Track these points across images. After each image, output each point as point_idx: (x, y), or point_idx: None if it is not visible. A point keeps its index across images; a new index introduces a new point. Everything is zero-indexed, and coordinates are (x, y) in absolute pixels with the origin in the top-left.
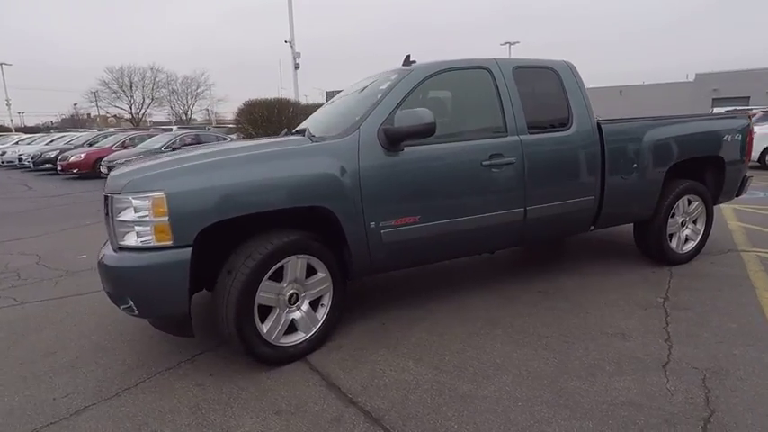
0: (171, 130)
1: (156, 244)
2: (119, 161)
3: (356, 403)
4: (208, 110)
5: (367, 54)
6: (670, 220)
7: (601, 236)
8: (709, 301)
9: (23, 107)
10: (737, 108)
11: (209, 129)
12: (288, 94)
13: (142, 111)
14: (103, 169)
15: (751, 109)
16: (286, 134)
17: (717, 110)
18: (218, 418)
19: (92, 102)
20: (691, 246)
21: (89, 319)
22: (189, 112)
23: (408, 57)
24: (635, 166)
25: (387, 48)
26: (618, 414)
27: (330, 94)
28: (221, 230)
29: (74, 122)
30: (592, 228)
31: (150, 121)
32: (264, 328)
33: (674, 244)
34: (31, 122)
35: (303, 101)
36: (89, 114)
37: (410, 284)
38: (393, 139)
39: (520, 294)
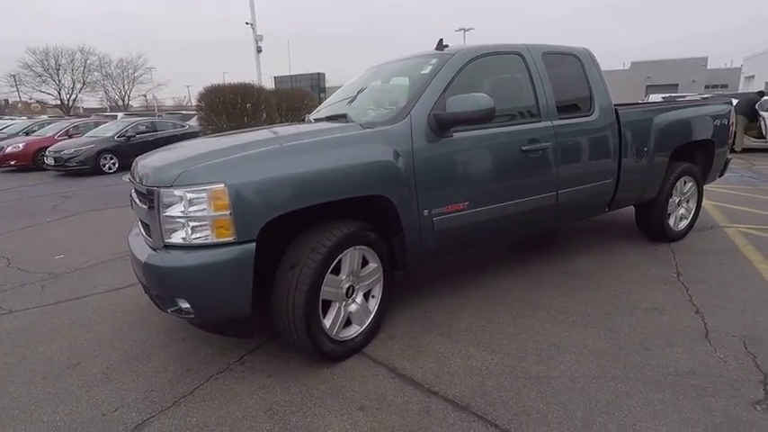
0: (110, 117)
1: (215, 240)
2: (67, 151)
3: (437, 393)
4: (146, 95)
5: (305, 38)
6: (669, 200)
7: (597, 217)
8: (716, 274)
9: None
10: (672, 95)
11: (160, 116)
12: (231, 77)
13: (72, 96)
14: (49, 160)
15: (685, 96)
16: (308, 121)
17: (653, 96)
18: (300, 421)
19: (12, 86)
20: (685, 223)
21: (102, 324)
22: (126, 98)
23: (441, 41)
24: (646, 149)
25: (326, 30)
26: (687, 383)
27: (279, 80)
28: (278, 224)
29: None
30: (607, 210)
31: (82, 108)
32: (327, 323)
33: (671, 222)
34: None
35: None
36: (7, 100)
37: (439, 272)
38: (445, 125)
39: (544, 276)
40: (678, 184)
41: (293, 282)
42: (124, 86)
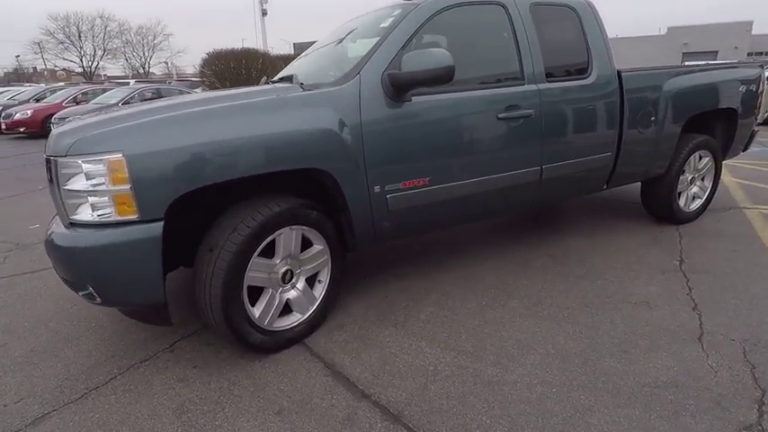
0: (128, 84)
1: (118, 218)
2: (71, 119)
3: (369, 396)
4: (167, 63)
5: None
6: (680, 177)
7: (601, 193)
8: (725, 262)
9: None
10: (710, 63)
11: (170, 82)
12: (250, 44)
13: (94, 63)
14: (54, 127)
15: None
16: (266, 83)
17: (688, 64)
18: (207, 423)
19: (36, 53)
20: (698, 204)
21: (46, 301)
22: (146, 65)
23: None
24: (653, 118)
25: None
26: (664, 398)
27: (298, 47)
28: (198, 198)
29: (18, 77)
30: (605, 187)
31: (104, 75)
32: (256, 312)
33: (681, 202)
34: None
35: (270, 53)
36: (35, 68)
37: (411, 250)
38: (400, 87)
39: (529, 260)
40: (692, 159)
41: (210, 266)
42: (144, 53)
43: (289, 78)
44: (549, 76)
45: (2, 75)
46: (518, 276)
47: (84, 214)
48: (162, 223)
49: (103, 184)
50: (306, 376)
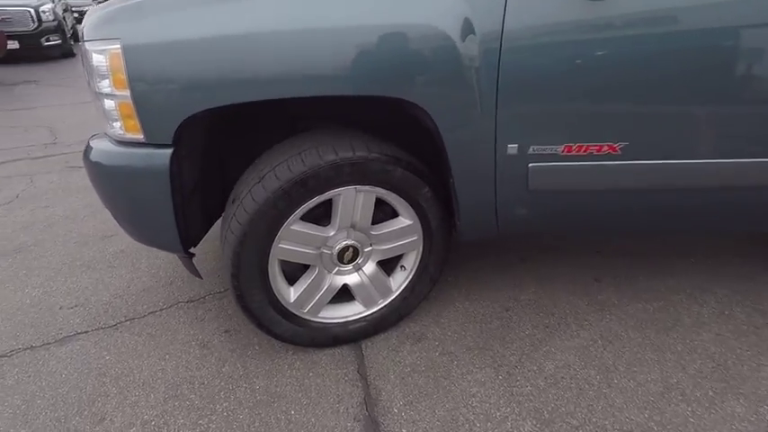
0: None
1: (127, 137)
2: None
3: None
4: None
5: None
6: None
7: None
8: None
9: None
10: None
11: None
12: None
13: None
14: None
15: None
16: None
17: None
18: None
19: None
20: None
21: None
22: None
23: None
24: None
25: None
26: None
27: None
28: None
29: None
30: None
31: None
32: (292, 294)
33: None
34: None
35: None
36: None
37: (578, 241)
38: None
39: None
40: None
41: (226, 225)
42: None
43: None
44: None
45: None
46: (745, 329)
47: (109, 125)
48: (170, 152)
49: (109, 86)
50: (328, 412)
